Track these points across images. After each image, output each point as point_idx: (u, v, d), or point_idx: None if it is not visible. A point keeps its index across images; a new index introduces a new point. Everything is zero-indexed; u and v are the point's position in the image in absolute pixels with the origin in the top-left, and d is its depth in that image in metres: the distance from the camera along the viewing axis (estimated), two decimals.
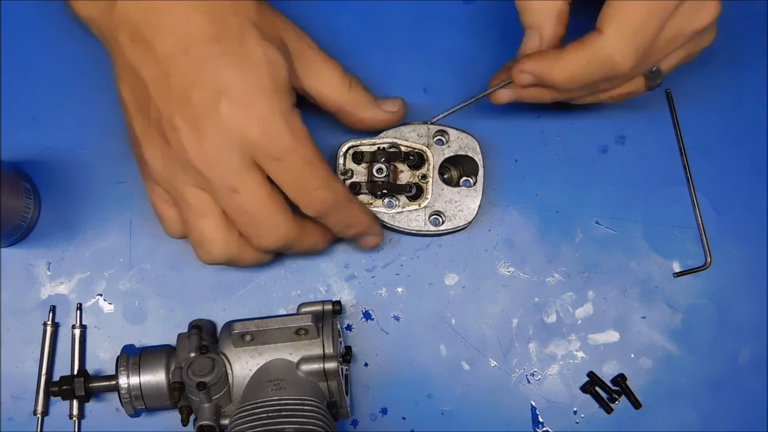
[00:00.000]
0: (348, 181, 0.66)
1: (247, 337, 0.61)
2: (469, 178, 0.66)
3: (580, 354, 0.68)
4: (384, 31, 0.70)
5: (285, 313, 0.68)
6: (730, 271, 0.69)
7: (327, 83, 0.61)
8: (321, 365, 0.61)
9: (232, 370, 0.61)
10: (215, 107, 0.54)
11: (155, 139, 0.57)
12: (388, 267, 0.68)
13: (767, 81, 0.70)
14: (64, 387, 0.63)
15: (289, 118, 0.56)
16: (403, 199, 0.66)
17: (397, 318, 0.68)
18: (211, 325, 0.67)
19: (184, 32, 0.54)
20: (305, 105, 0.60)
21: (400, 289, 0.68)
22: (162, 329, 0.67)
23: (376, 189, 0.65)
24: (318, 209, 0.58)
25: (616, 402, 0.68)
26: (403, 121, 0.66)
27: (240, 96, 0.54)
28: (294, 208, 0.58)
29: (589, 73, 0.58)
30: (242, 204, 0.56)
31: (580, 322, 0.68)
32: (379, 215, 0.65)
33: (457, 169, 0.67)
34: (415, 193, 0.65)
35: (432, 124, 0.66)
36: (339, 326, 0.65)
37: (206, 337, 0.64)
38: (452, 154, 0.66)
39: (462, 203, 0.66)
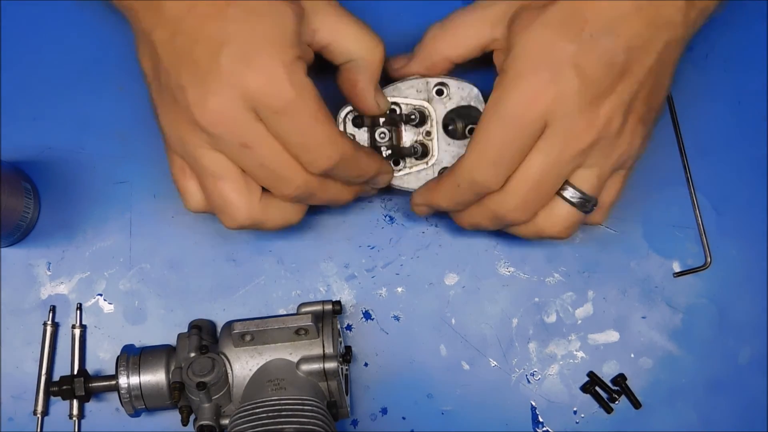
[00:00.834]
0: None
1: (247, 337, 0.61)
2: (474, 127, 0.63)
3: (580, 354, 0.68)
4: (384, 31, 0.70)
5: (285, 313, 0.68)
6: (730, 271, 0.69)
7: (345, 36, 0.59)
8: (321, 365, 0.61)
9: (232, 370, 0.61)
10: (216, 60, 0.53)
11: (168, 104, 0.56)
12: (388, 267, 0.68)
13: (767, 81, 0.70)
14: (64, 387, 0.63)
15: (292, 69, 0.54)
16: (410, 159, 0.63)
17: (397, 318, 0.68)
18: (211, 325, 0.67)
19: None
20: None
21: (400, 289, 0.68)
22: (162, 329, 0.67)
23: (379, 152, 0.63)
24: (322, 167, 0.56)
25: (616, 402, 0.68)
26: (400, 79, 0.64)
27: (241, 47, 0.53)
28: None
29: (463, 195, 0.58)
30: (256, 159, 0.55)
31: (580, 322, 0.68)
32: None
33: (462, 120, 0.64)
34: (422, 152, 0.63)
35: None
36: (339, 326, 0.65)
37: (206, 337, 0.64)
38: (455, 106, 0.63)
39: None
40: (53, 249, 0.68)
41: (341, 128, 0.63)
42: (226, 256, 0.68)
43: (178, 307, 0.68)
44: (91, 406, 0.67)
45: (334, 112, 0.62)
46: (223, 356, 0.61)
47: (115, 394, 0.65)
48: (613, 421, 0.68)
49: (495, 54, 0.61)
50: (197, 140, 0.55)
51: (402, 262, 0.68)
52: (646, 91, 0.57)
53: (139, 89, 0.68)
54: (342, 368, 0.63)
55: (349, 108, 0.63)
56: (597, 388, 0.68)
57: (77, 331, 0.67)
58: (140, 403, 0.62)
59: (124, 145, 0.69)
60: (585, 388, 0.68)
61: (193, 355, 0.61)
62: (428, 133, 0.63)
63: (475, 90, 0.63)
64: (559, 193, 0.58)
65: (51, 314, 0.67)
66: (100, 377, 0.64)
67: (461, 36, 0.61)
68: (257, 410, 0.58)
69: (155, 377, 0.62)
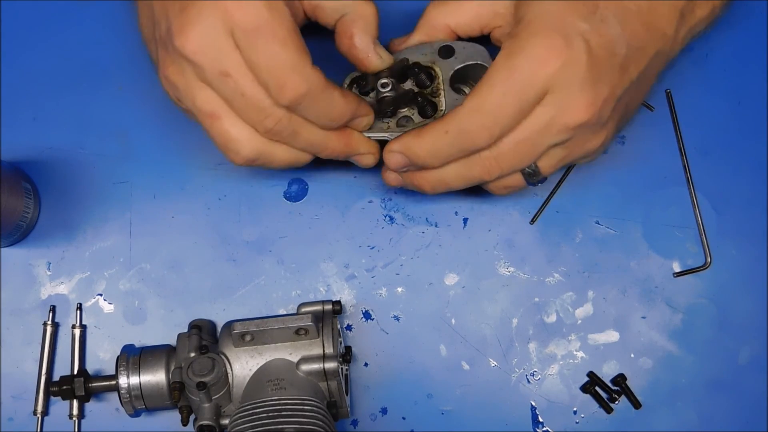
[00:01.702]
0: None
1: (247, 337, 0.61)
2: None
3: (580, 354, 0.68)
4: (384, 31, 0.70)
5: (285, 313, 0.68)
6: (730, 271, 0.69)
7: None
8: (321, 365, 0.61)
9: (232, 370, 0.61)
10: None
11: (162, 56, 0.57)
12: (388, 267, 0.68)
13: (767, 81, 0.70)
14: (64, 387, 0.63)
15: None
16: (417, 117, 0.61)
17: (397, 318, 0.68)
18: (211, 325, 0.67)
19: None
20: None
21: (400, 289, 0.68)
22: (162, 329, 0.67)
23: (383, 106, 0.60)
24: (289, 97, 0.55)
25: (616, 402, 0.68)
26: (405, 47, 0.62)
27: None
28: None
29: (448, 144, 0.57)
30: (237, 88, 0.55)
31: (580, 322, 0.68)
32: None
33: (468, 85, 0.63)
34: (429, 111, 0.60)
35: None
36: (339, 326, 0.65)
37: (206, 337, 0.64)
38: (461, 65, 0.61)
39: None
40: (53, 249, 0.68)
41: None
42: (226, 256, 0.68)
43: (178, 307, 0.68)
44: (91, 406, 0.67)
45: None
46: (223, 356, 0.61)
47: (115, 394, 0.65)
48: (613, 421, 0.68)
49: (494, 32, 0.62)
50: (188, 80, 0.56)
51: (402, 262, 0.68)
52: (632, 94, 0.58)
53: (139, 89, 0.69)
54: (342, 368, 0.63)
55: (354, 74, 0.61)
56: (597, 388, 0.68)
57: (77, 331, 0.67)
58: (140, 403, 0.62)
59: (124, 145, 0.69)
60: (585, 388, 0.68)
61: (193, 355, 0.61)
62: (435, 91, 0.61)
63: (482, 48, 0.61)
64: None
65: (51, 314, 0.67)
66: (100, 377, 0.64)
67: (463, 4, 0.61)
68: (257, 410, 0.58)
69: (155, 377, 0.62)
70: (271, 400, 0.59)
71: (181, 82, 0.56)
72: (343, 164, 0.64)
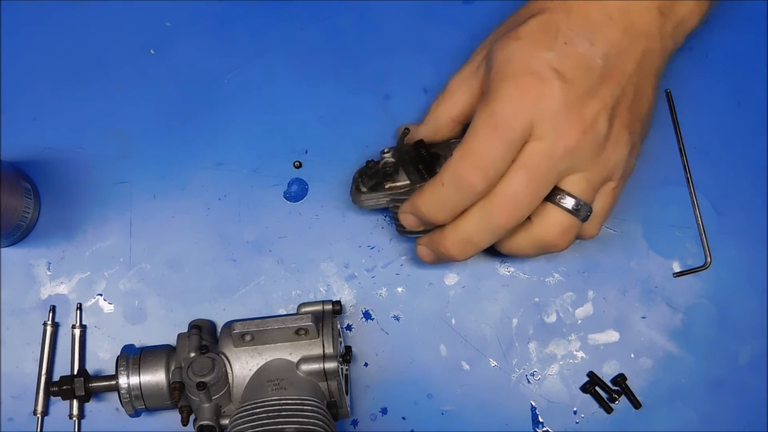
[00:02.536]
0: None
1: (247, 337, 0.61)
2: None
3: (580, 354, 0.68)
4: (384, 31, 0.70)
5: (285, 313, 0.68)
6: (730, 271, 0.69)
7: None
8: (321, 365, 0.61)
9: (232, 370, 0.61)
10: None
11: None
12: (388, 267, 0.68)
13: (767, 81, 0.70)
14: (64, 387, 0.63)
15: None
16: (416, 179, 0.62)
17: (397, 318, 0.68)
18: (211, 325, 0.67)
19: None
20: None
21: (400, 289, 0.68)
22: (162, 329, 0.67)
23: (386, 167, 0.62)
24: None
25: (616, 402, 0.68)
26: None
27: None
28: None
29: (447, 194, 0.58)
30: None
31: (580, 322, 0.68)
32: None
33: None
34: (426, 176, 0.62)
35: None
36: (339, 326, 0.65)
37: (206, 337, 0.64)
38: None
39: None
40: (53, 249, 0.68)
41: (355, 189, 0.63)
42: (226, 256, 0.68)
43: (178, 307, 0.68)
44: (91, 406, 0.67)
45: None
46: (223, 356, 0.61)
47: (115, 394, 0.65)
48: (613, 421, 0.68)
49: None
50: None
51: (402, 262, 0.68)
52: (629, 98, 0.58)
53: (140, 89, 0.69)
54: (342, 368, 0.63)
55: (361, 168, 0.63)
56: (597, 388, 0.68)
57: (77, 331, 0.67)
58: (140, 403, 0.62)
59: (124, 145, 0.69)
60: (585, 388, 0.68)
61: (193, 355, 0.61)
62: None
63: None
64: (552, 200, 0.58)
65: (51, 314, 0.67)
66: (100, 377, 0.64)
67: (455, 93, 0.63)
68: (257, 410, 0.58)
69: (155, 377, 0.62)
70: (271, 400, 0.59)
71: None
72: (343, 164, 0.63)
